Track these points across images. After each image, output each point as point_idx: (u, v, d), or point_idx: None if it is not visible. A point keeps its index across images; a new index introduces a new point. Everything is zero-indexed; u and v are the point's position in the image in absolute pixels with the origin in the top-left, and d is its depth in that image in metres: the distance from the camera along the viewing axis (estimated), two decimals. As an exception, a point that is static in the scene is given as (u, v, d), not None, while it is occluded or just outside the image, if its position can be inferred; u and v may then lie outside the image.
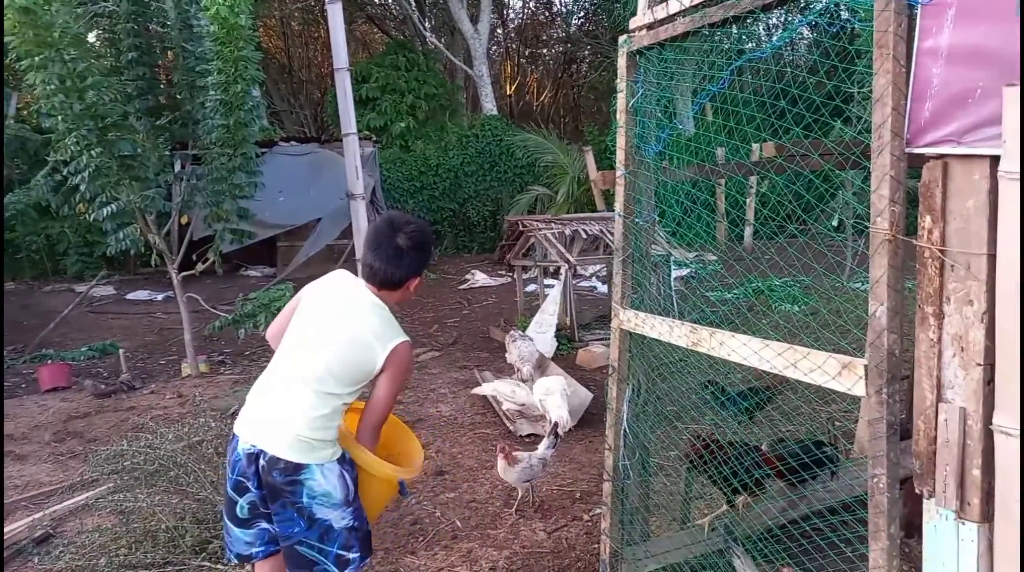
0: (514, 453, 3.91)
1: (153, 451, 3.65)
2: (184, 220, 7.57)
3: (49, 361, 7.39)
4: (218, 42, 6.25)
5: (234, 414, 5.10)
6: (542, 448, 4.08)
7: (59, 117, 6.08)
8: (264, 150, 12.33)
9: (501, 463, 3.89)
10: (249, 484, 2.34)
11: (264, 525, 2.39)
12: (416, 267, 2.45)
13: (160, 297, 11.53)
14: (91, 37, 7.27)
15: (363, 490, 2.44)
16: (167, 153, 7.19)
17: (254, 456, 2.31)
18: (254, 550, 2.43)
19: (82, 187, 6.41)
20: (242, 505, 2.37)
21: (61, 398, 6.43)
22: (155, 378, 7.07)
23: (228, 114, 6.56)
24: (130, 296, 11.84)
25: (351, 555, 2.36)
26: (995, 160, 1.57)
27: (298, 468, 2.27)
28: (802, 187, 2.69)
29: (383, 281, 2.42)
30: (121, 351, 7.44)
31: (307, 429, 2.28)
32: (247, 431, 2.36)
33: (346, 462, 2.37)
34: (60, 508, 4.05)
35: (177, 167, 7.28)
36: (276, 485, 2.28)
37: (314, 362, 2.32)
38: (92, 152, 6.17)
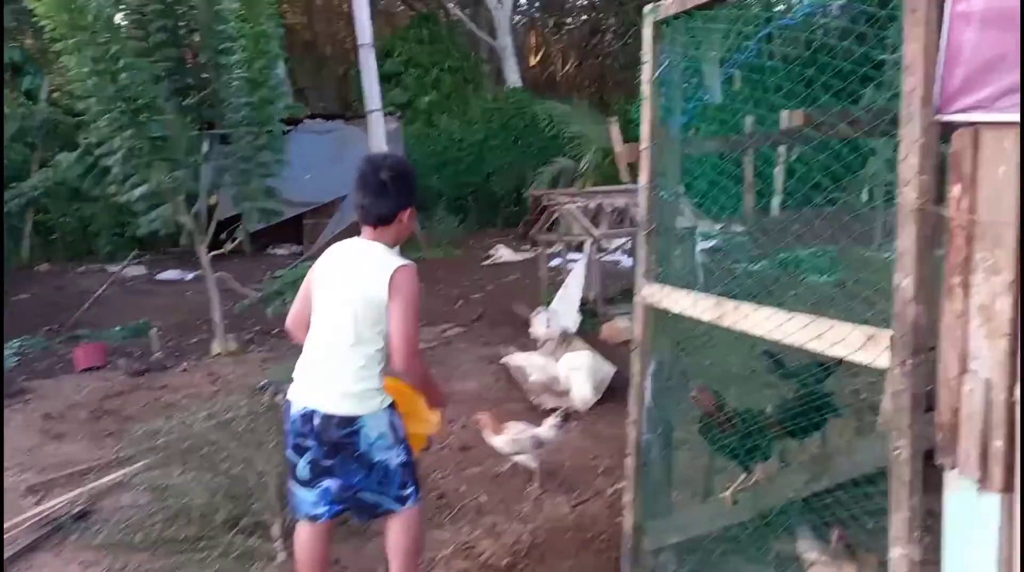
0: (506, 424, 3.92)
1: (186, 428, 3.74)
2: (212, 200, 7.65)
3: (84, 341, 7.56)
4: (240, 19, 6.27)
5: (263, 389, 5.20)
6: (544, 427, 4.06)
7: (92, 99, 6.16)
8: (290, 128, 12.42)
9: (485, 431, 3.91)
10: (307, 442, 2.54)
11: (326, 484, 2.57)
12: (403, 197, 2.56)
13: (190, 277, 11.69)
14: (119, 19, 7.33)
15: None
16: (195, 133, 7.26)
17: (308, 416, 2.52)
18: (319, 510, 2.60)
19: (114, 169, 6.51)
20: (302, 466, 2.57)
21: (97, 377, 6.59)
22: (186, 357, 7.20)
23: (252, 92, 6.59)
24: (160, 276, 12.02)
25: (407, 492, 2.59)
26: (1027, 126, 1.53)
27: (351, 420, 2.48)
28: (831, 158, 2.63)
29: (377, 217, 2.55)
30: (153, 330, 7.58)
31: (352, 383, 2.49)
32: (300, 396, 2.57)
33: (392, 410, 2.58)
34: (97, 485, 4.15)
35: (205, 147, 7.36)
36: (335, 440, 2.50)
37: (342, 320, 2.50)
38: (124, 134, 6.26)
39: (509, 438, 3.86)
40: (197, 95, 7.28)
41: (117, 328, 8.22)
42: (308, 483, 2.58)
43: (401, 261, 2.51)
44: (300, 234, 14.07)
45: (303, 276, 6.87)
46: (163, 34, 6.88)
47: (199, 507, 3.44)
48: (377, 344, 2.52)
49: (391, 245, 2.60)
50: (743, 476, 3.06)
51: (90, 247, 13.29)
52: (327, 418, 2.48)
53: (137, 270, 12.19)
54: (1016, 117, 1.55)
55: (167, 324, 8.60)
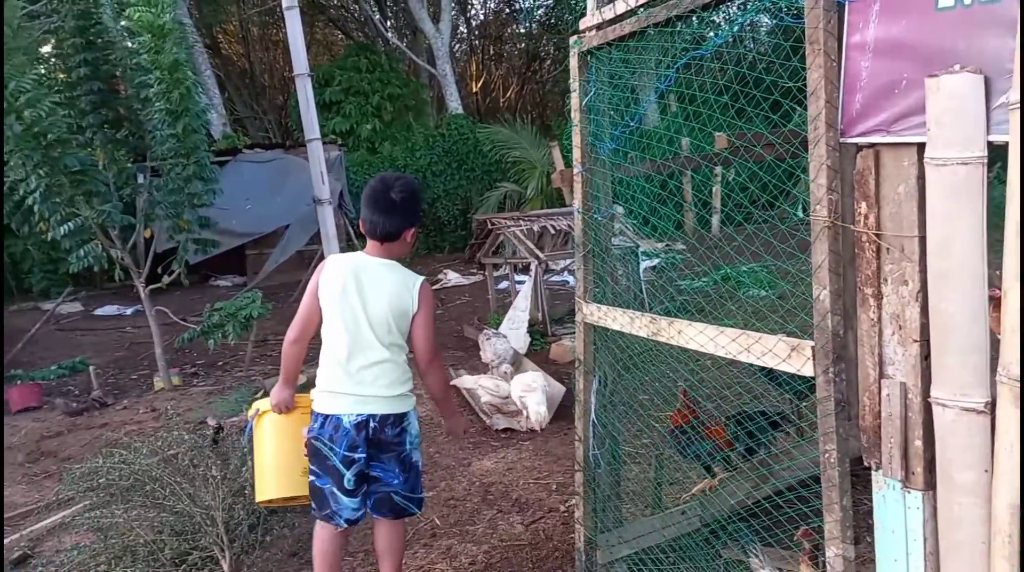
0: None
1: (128, 466, 3.64)
2: (148, 233, 7.51)
3: (18, 382, 7.29)
4: (152, 51, 6.22)
5: (203, 423, 5.10)
6: None
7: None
8: (228, 158, 12.24)
9: None
10: (357, 453, 2.68)
11: (365, 488, 2.77)
12: (410, 217, 2.78)
13: (129, 311, 11.39)
14: (46, 50, 7.16)
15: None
16: (129, 166, 7.13)
17: (363, 423, 2.68)
18: (360, 513, 2.78)
19: (35, 207, 6.34)
20: (349, 477, 2.69)
21: (32, 418, 6.36)
22: (127, 393, 7.02)
23: (175, 122, 6.53)
24: (98, 311, 11.68)
25: (420, 494, 2.88)
26: (922, 147, 1.66)
27: (402, 418, 2.75)
28: (765, 176, 2.76)
29: (384, 233, 2.74)
30: (91, 368, 7.36)
31: (398, 386, 2.74)
32: (347, 407, 2.69)
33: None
34: (37, 528, 4.03)
35: (140, 179, 7.22)
36: (387, 440, 2.71)
37: (380, 330, 2.70)
38: (39, 171, 6.10)
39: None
40: (128, 127, 7.17)
41: (53, 366, 7.96)
42: (353, 492, 2.71)
43: (420, 277, 2.81)
44: (243, 265, 13.84)
45: (243, 307, 6.74)
46: (86, 68, 6.75)
47: (145, 545, 3.37)
48: (405, 349, 2.80)
49: (396, 259, 2.80)
50: (707, 481, 3.16)
51: (22, 285, 12.83)
52: (383, 419, 2.69)
53: (73, 307, 11.83)
54: (913, 138, 1.68)
55: (107, 360, 8.37)
